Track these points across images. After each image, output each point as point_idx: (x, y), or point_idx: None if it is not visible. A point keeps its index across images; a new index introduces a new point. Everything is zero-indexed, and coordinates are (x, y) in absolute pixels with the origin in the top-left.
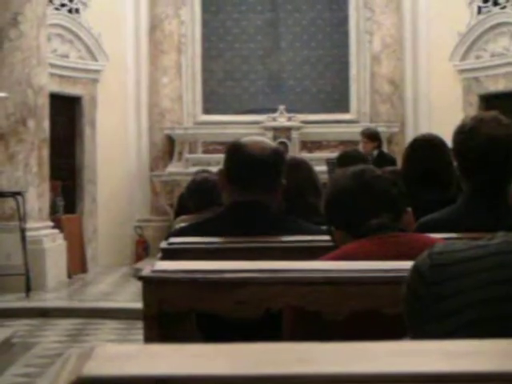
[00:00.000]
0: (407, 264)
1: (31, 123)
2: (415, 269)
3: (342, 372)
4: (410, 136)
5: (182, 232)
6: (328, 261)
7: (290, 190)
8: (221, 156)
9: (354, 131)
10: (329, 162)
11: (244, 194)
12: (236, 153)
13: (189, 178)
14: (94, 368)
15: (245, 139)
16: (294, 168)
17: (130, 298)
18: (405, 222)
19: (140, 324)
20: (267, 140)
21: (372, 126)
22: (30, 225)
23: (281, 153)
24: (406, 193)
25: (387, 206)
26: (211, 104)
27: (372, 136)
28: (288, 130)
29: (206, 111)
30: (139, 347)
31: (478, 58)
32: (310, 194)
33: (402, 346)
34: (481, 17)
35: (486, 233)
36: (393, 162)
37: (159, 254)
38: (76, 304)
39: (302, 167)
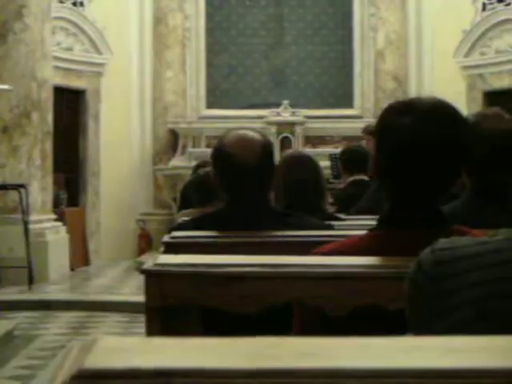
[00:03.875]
0: (410, 260)
1: (35, 116)
2: (418, 265)
3: (342, 367)
4: None
5: (183, 226)
6: (341, 247)
7: (291, 186)
8: None
9: (357, 127)
10: (332, 157)
11: (238, 199)
12: (222, 163)
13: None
14: (95, 360)
15: (229, 140)
16: (298, 164)
17: (133, 291)
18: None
19: (142, 317)
20: (252, 134)
21: (373, 122)
22: (32, 217)
23: (268, 148)
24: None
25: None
26: (215, 98)
27: (373, 133)
28: (291, 124)
29: (210, 105)
30: (141, 340)
31: (482, 54)
32: (312, 191)
33: (403, 341)
34: (485, 13)
35: (488, 230)
36: None
37: (162, 248)
38: (78, 297)
39: (307, 164)
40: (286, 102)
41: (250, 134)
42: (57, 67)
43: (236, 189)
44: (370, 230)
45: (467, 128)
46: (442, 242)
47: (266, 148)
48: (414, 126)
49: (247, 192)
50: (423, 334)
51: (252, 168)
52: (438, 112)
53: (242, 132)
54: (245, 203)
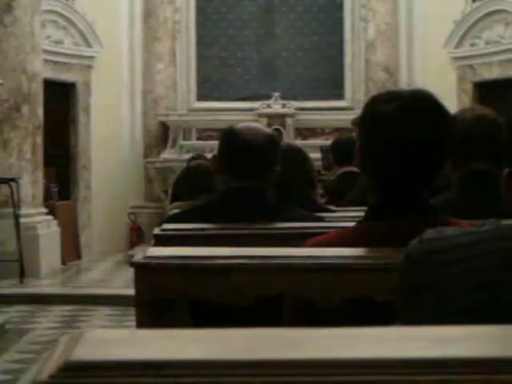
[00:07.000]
0: (398, 251)
1: (25, 109)
2: (407, 255)
3: (332, 358)
4: None
5: (174, 218)
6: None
7: (281, 178)
8: (215, 143)
9: (348, 118)
10: (323, 149)
11: (237, 181)
12: (230, 139)
13: (183, 165)
14: (82, 353)
15: (239, 125)
16: (287, 156)
17: (124, 284)
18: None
19: (134, 310)
20: (262, 126)
21: None
22: (24, 211)
23: (275, 139)
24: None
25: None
26: (205, 91)
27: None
28: (282, 116)
29: (201, 98)
30: (129, 332)
31: (472, 45)
32: (302, 183)
33: (392, 332)
34: (476, 4)
35: (476, 220)
36: None
37: (153, 241)
38: (70, 290)
39: (296, 156)
40: (276, 93)
41: (261, 125)
42: (47, 60)
43: (235, 166)
44: (358, 222)
45: (448, 117)
46: (430, 233)
47: (271, 137)
48: (394, 114)
49: (245, 174)
50: (412, 324)
51: (255, 145)
52: (418, 101)
53: (253, 123)
54: (236, 192)
